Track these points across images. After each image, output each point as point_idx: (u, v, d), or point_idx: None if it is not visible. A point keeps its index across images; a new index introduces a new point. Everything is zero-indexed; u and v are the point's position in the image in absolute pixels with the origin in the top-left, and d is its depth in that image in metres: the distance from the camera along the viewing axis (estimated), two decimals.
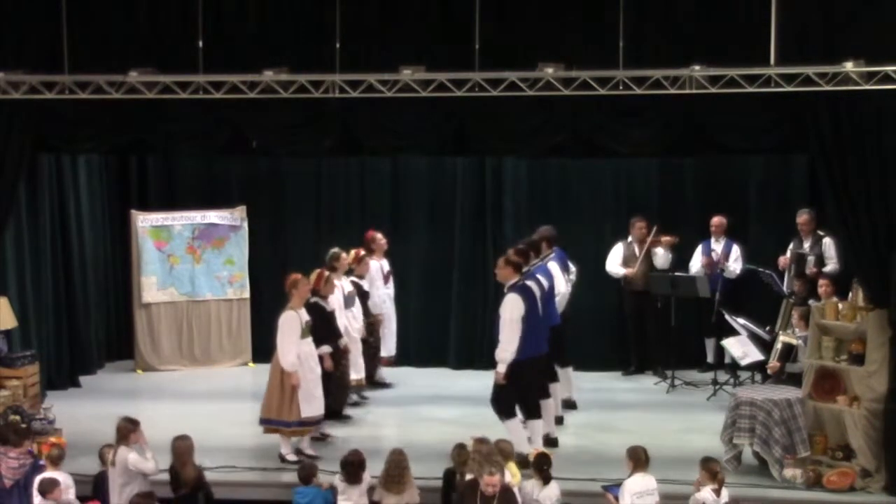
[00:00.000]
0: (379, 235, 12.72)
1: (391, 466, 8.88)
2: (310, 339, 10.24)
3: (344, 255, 11.64)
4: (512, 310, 9.68)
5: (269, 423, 10.15)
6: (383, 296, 12.67)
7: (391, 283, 12.86)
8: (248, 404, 12.48)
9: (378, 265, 12.59)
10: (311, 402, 10.09)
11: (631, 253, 13.01)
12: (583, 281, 13.54)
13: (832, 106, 9.14)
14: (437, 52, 9.34)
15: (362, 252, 12.23)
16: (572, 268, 11.94)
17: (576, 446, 10.34)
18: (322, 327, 10.56)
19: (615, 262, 13.07)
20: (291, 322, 10.04)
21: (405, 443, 9.53)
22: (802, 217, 12.08)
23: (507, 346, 9.67)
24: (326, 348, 10.58)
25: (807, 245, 12.03)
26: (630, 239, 13.05)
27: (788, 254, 12.31)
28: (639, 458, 8.51)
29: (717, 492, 8.43)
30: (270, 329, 14.01)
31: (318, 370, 10.28)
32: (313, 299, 10.70)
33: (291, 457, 10.01)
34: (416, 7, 9.54)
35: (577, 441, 10.58)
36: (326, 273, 11.00)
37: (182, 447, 8.96)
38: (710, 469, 8.52)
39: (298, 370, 9.96)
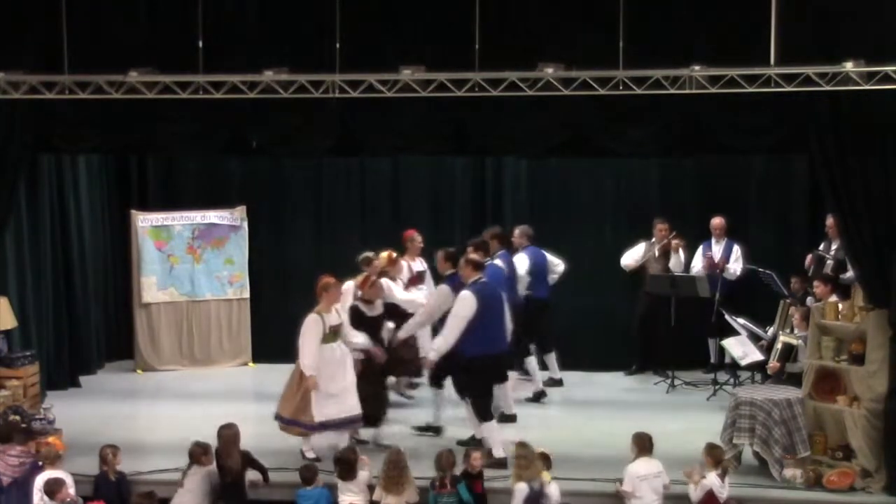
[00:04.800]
0: (416, 235, 12.40)
1: (390, 467, 8.90)
2: (334, 345, 10.03)
3: (371, 256, 11.33)
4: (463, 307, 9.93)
5: (282, 421, 10.13)
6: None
7: (425, 284, 12.39)
8: (249, 404, 12.49)
9: (406, 265, 12.19)
10: (328, 406, 9.93)
11: (652, 253, 13.04)
12: (583, 281, 13.59)
13: (832, 106, 9.13)
14: (437, 52, 9.32)
15: (395, 254, 11.77)
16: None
17: (575, 446, 10.32)
18: (364, 332, 10.41)
19: (632, 256, 13.07)
20: (312, 325, 9.93)
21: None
22: (831, 220, 11.48)
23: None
24: (361, 341, 10.33)
25: (833, 247, 11.84)
26: (653, 240, 13.08)
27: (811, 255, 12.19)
28: (643, 445, 8.81)
29: (722, 477, 8.56)
30: (270, 329, 14.13)
31: (345, 376, 10.06)
32: (354, 303, 10.62)
33: (311, 454, 9.98)
34: (416, 7, 9.53)
35: (576, 441, 10.57)
36: (373, 277, 10.81)
37: (227, 436, 9.09)
38: (716, 455, 8.76)
39: (315, 374, 9.85)
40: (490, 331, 10.06)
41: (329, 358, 10.00)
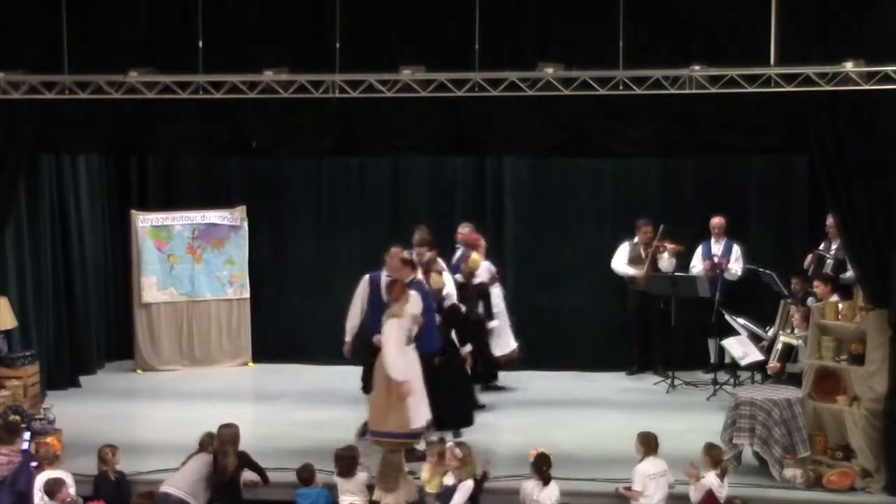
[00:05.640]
0: (480, 237, 12.30)
1: (386, 466, 8.90)
2: (409, 347, 9.79)
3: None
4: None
5: (393, 437, 9.62)
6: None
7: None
8: (249, 404, 12.54)
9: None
10: (422, 410, 9.71)
11: (636, 254, 13.01)
12: (584, 281, 13.60)
13: (832, 106, 9.13)
14: (437, 52, 9.33)
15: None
16: None
17: (575, 446, 10.33)
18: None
19: (621, 261, 13.07)
20: (395, 330, 9.64)
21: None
22: (831, 220, 11.45)
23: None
24: (468, 347, 10.30)
25: (833, 247, 11.83)
26: (636, 240, 13.05)
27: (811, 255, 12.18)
28: (649, 445, 8.88)
29: (721, 477, 8.59)
30: (270, 329, 14.15)
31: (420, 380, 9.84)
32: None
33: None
34: (416, 7, 9.54)
35: (576, 441, 10.57)
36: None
37: (226, 434, 9.05)
38: (714, 455, 8.81)
39: (408, 378, 9.58)
40: (423, 330, 10.02)
41: (411, 359, 9.78)
